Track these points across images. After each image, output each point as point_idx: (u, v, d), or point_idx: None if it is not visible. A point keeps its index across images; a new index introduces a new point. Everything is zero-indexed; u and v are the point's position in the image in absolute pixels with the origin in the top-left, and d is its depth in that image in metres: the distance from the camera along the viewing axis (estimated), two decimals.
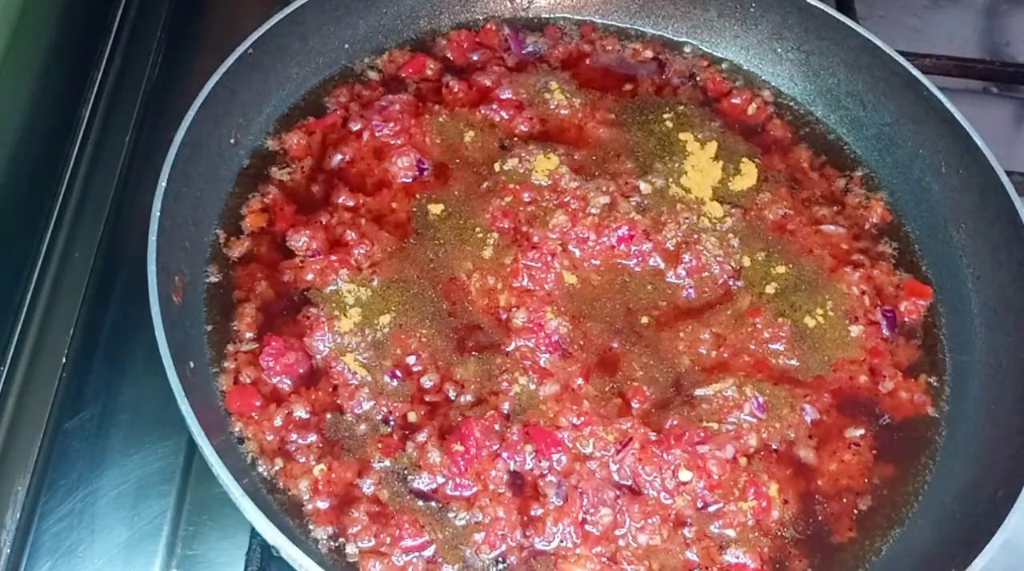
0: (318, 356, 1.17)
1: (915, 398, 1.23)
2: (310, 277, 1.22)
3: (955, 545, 1.06)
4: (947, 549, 1.07)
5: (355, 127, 1.36)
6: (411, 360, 1.18)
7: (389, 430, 1.13)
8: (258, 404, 1.13)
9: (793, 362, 1.23)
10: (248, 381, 1.15)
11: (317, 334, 1.17)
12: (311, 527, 1.08)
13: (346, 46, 1.45)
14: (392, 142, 1.35)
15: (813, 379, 1.22)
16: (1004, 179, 1.26)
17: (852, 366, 1.24)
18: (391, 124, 1.36)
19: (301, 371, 1.16)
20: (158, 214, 1.11)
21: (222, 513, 1.15)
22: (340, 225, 1.27)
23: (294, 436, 1.12)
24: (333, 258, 1.23)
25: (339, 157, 1.34)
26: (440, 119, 1.38)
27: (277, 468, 1.10)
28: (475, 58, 1.49)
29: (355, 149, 1.35)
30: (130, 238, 1.23)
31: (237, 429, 1.12)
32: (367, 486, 1.09)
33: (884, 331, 1.28)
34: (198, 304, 1.20)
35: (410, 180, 1.33)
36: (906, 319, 1.30)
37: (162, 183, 1.13)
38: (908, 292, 1.32)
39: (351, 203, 1.30)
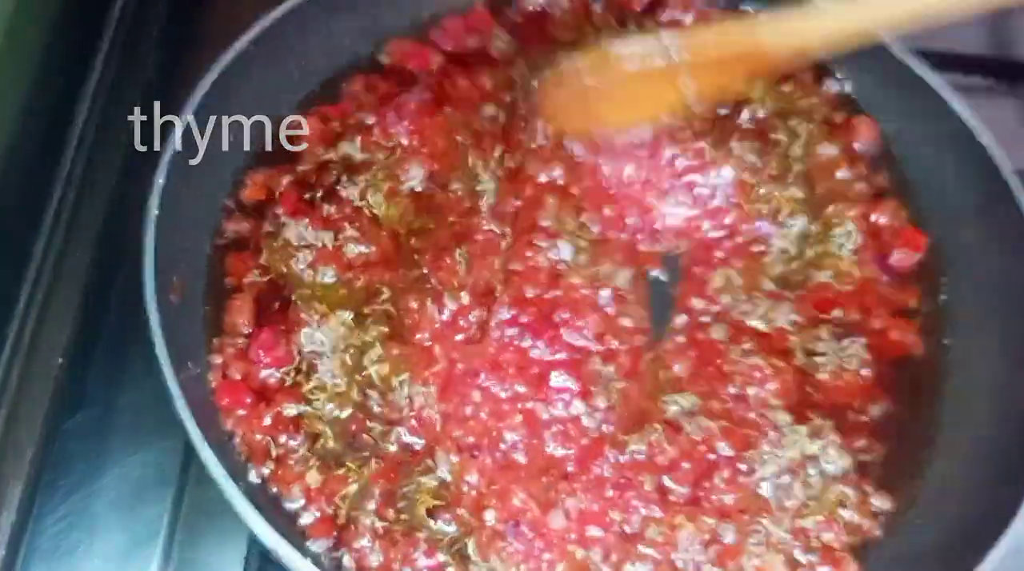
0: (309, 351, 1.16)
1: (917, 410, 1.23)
2: (306, 273, 1.21)
3: (955, 546, 1.06)
4: (947, 550, 1.07)
5: (365, 122, 1.34)
6: None
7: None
8: (249, 401, 1.12)
9: None
10: (238, 377, 1.14)
11: (305, 330, 1.16)
12: (310, 531, 1.07)
13: (346, 41, 1.43)
14: (403, 142, 1.33)
15: None
16: (1009, 177, 1.25)
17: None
18: (403, 122, 1.34)
19: (294, 367, 1.15)
20: (156, 213, 1.11)
21: (220, 517, 1.13)
22: (342, 220, 1.25)
23: (284, 438, 1.11)
24: (328, 253, 1.22)
25: (342, 154, 1.32)
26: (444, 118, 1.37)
27: (275, 472, 1.10)
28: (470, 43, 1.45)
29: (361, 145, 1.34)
30: (128, 237, 1.22)
31: (231, 429, 1.11)
32: (367, 492, 1.09)
33: None
34: (196, 303, 1.20)
35: None
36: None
37: (159, 181, 1.13)
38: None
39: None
